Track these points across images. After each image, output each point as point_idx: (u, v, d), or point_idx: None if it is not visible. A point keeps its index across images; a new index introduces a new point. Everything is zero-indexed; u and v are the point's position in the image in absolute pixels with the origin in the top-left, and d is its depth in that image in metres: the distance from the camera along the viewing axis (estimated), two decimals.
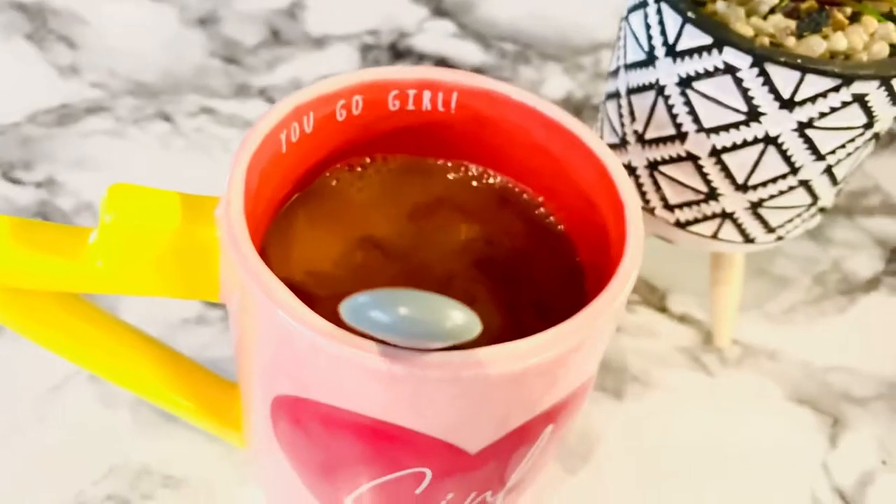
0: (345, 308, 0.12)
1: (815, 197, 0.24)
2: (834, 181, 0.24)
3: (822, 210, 0.25)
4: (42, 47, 0.37)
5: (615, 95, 0.25)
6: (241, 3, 0.40)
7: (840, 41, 0.21)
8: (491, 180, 0.22)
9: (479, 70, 0.39)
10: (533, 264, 0.21)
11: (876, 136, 0.23)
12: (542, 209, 0.22)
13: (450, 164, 0.23)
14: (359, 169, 0.22)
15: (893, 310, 0.32)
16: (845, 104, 0.21)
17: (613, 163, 0.19)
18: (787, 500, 0.26)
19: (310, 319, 0.16)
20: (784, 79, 0.20)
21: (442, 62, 0.40)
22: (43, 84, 0.35)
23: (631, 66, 0.24)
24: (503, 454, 0.18)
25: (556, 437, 0.19)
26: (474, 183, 0.22)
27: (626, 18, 0.24)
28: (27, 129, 0.33)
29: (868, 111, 0.21)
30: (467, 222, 0.22)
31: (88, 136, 0.33)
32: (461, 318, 0.11)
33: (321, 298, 0.18)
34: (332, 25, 0.40)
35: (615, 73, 0.25)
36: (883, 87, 0.21)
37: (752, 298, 0.32)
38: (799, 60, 0.20)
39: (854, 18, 0.22)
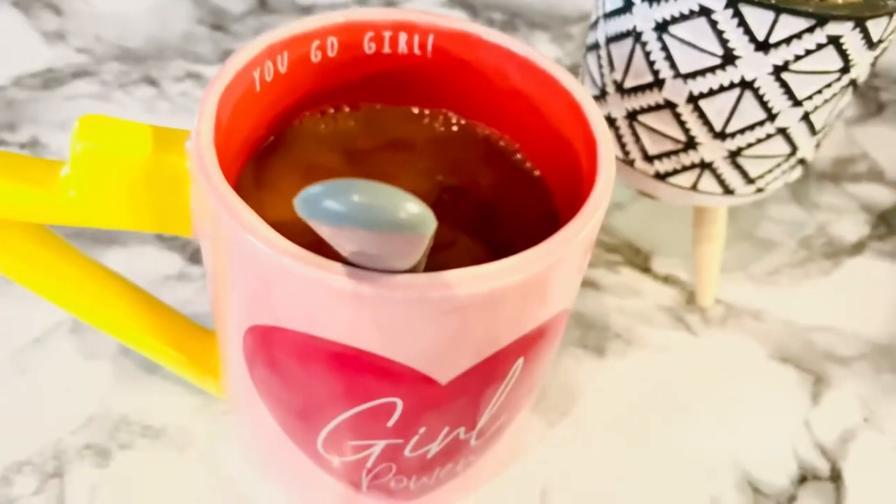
0: (299, 201, 0.12)
1: (793, 146, 0.24)
2: (812, 130, 0.24)
3: (801, 162, 0.25)
4: (29, 14, 0.37)
5: (595, 47, 0.25)
6: None
7: None
8: (467, 127, 0.22)
9: None
10: (509, 208, 0.21)
11: (853, 83, 0.23)
12: (519, 155, 0.22)
13: (427, 112, 0.23)
14: (331, 112, 0.22)
15: (878, 273, 0.32)
16: (820, 46, 0.21)
17: (586, 100, 0.19)
18: (768, 455, 0.26)
19: (278, 242, 0.16)
20: (758, 20, 0.20)
21: None
22: (29, 50, 0.35)
23: (609, 15, 0.24)
24: (474, 386, 0.18)
25: (526, 373, 0.19)
26: (452, 128, 0.22)
27: None
28: (12, 93, 0.33)
29: (843, 55, 0.21)
30: (442, 167, 0.22)
31: (73, 99, 0.33)
32: (416, 209, 0.11)
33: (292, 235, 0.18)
34: None
35: (595, 24, 0.25)
36: (857, 29, 0.21)
37: (737, 260, 0.32)
38: (773, 0, 0.20)
39: None
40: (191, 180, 0.18)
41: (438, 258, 0.17)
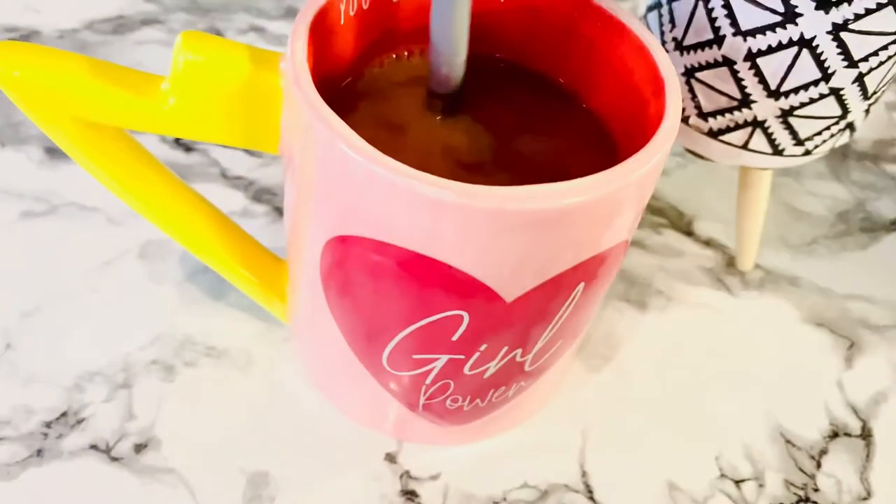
0: None
1: (845, 109, 0.25)
2: (865, 94, 0.24)
3: (850, 127, 0.26)
4: None
5: (656, 6, 0.26)
6: None
7: None
8: (534, 76, 0.23)
9: None
10: (572, 152, 0.22)
11: None
12: (584, 105, 0.23)
13: (497, 57, 0.24)
14: (406, 56, 0.23)
15: None
16: (880, 6, 0.22)
17: (654, 44, 0.20)
18: (801, 412, 0.27)
19: (367, 150, 0.17)
20: None
21: None
22: None
23: None
24: (536, 307, 0.19)
25: (584, 300, 0.20)
26: (516, 75, 0.23)
27: None
28: (84, 35, 0.35)
29: None
30: (507, 109, 0.23)
31: (142, 44, 0.35)
32: None
33: None
34: None
35: None
36: None
37: (776, 230, 0.33)
38: None
39: None
40: (284, 98, 0.19)
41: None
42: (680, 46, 0.25)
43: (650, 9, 0.27)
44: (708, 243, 0.32)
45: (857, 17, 0.22)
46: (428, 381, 0.21)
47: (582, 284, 0.19)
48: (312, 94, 0.18)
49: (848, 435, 0.27)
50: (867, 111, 0.26)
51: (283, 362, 0.26)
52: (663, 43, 0.26)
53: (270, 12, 0.37)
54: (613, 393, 0.27)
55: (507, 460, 0.25)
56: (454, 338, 0.20)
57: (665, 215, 0.32)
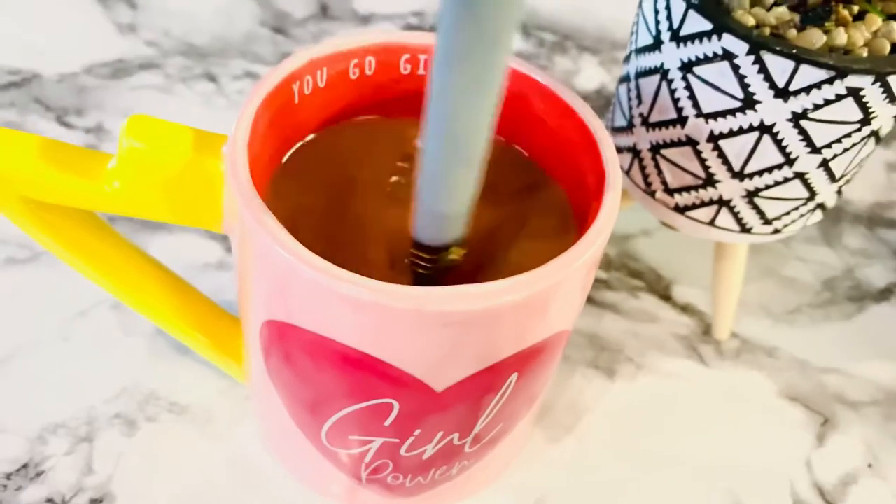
0: None
1: (812, 191, 0.24)
2: (832, 177, 0.24)
3: (821, 207, 0.25)
4: (107, 6, 0.39)
5: (626, 79, 0.26)
6: None
7: (840, 36, 0.21)
8: (501, 146, 0.23)
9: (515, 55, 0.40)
10: (534, 226, 0.22)
11: (875, 134, 0.23)
12: (546, 176, 0.23)
13: None
14: (360, 120, 0.23)
15: None
16: (840, 97, 0.21)
17: (600, 131, 0.20)
18: (765, 491, 0.27)
19: (292, 246, 0.17)
20: (779, 68, 0.21)
21: None
22: (103, 40, 0.38)
23: (640, 51, 0.25)
24: (468, 396, 0.19)
25: (521, 387, 0.20)
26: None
27: (640, 4, 0.25)
28: (83, 80, 0.36)
29: (864, 107, 0.22)
30: None
31: (138, 89, 0.36)
32: None
33: (315, 239, 0.20)
34: (379, 4, 0.42)
35: (628, 58, 0.26)
36: (878, 84, 0.21)
37: (758, 297, 0.32)
38: (794, 51, 0.21)
39: (859, 17, 0.22)
40: (224, 182, 0.19)
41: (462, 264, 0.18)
42: (646, 122, 0.25)
43: (621, 81, 0.27)
44: (685, 309, 0.31)
45: (817, 106, 0.22)
46: (367, 459, 0.21)
47: (515, 375, 0.19)
48: (247, 185, 0.18)
49: None
50: (839, 192, 0.25)
51: (243, 421, 0.26)
52: (631, 117, 0.26)
53: (266, 58, 0.38)
54: (572, 465, 0.26)
55: None
56: (386, 423, 0.20)
57: (643, 278, 0.32)
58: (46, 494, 0.24)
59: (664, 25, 0.23)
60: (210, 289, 0.26)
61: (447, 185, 0.17)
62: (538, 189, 0.22)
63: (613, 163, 0.20)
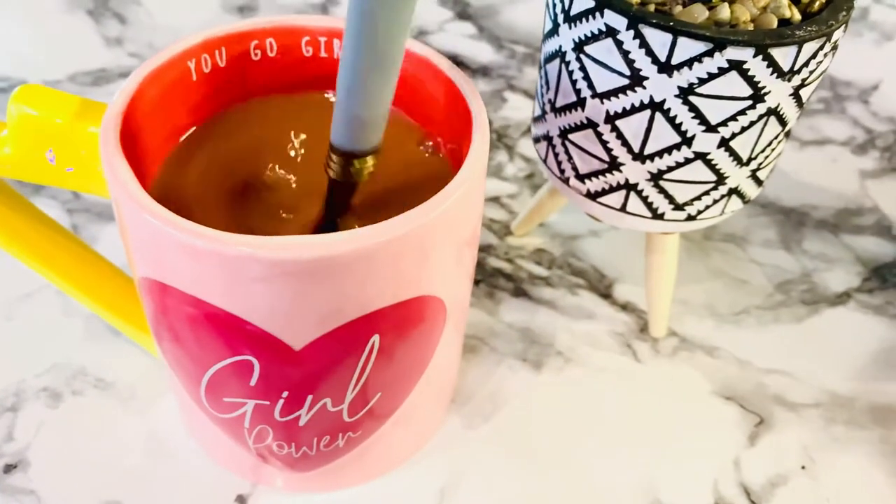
0: None
1: (718, 174, 0.24)
2: (738, 159, 0.24)
3: (737, 193, 0.25)
4: (98, 21, 0.42)
5: (540, 68, 0.26)
6: None
7: (723, 11, 0.21)
8: (397, 121, 0.24)
9: (485, 68, 0.41)
10: (414, 186, 0.22)
11: (775, 113, 0.23)
12: (428, 141, 0.23)
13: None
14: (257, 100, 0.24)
15: (858, 326, 0.31)
16: (722, 70, 0.21)
17: (466, 85, 0.21)
18: (685, 487, 0.26)
19: (141, 198, 0.18)
20: (658, 41, 0.21)
21: (452, 58, 0.42)
22: (90, 51, 0.40)
23: (546, 37, 0.25)
24: (327, 356, 0.20)
25: (388, 353, 0.20)
26: None
27: None
28: (65, 86, 0.38)
29: (751, 82, 0.21)
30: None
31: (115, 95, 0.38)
32: None
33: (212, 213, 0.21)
34: None
35: (540, 49, 0.26)
36: (760, 57, 0.21)
37: (704, 297, 0.32)
38: (671, 23, 0.21)
39: None
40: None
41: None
42: (553, 108, 0.25)
43: (538, 70, 0.27)
44: (625, 307, 0.31)
45: (702, 80, 0.21)
46: (246, 424, 0.22)
47: (376, 336, 0.20)
48: (112, 144, 0.19)
49: None
50: (755, 178, 0.25)
51: (163, 399, 0.27)
52: (543, 105, 0.26)
53: None
54: (485, 453, 0.26)
55: None
56: (251, 383, 0.20)
57: (585, 276, 0.32)
58: None
59: (559, 8, 0.23)
60: None
61: (364, 90, 0.18)
62: (424, 157, 0.23)
63: (481, 118, 0.20)
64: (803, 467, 0.27)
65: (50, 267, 0.24)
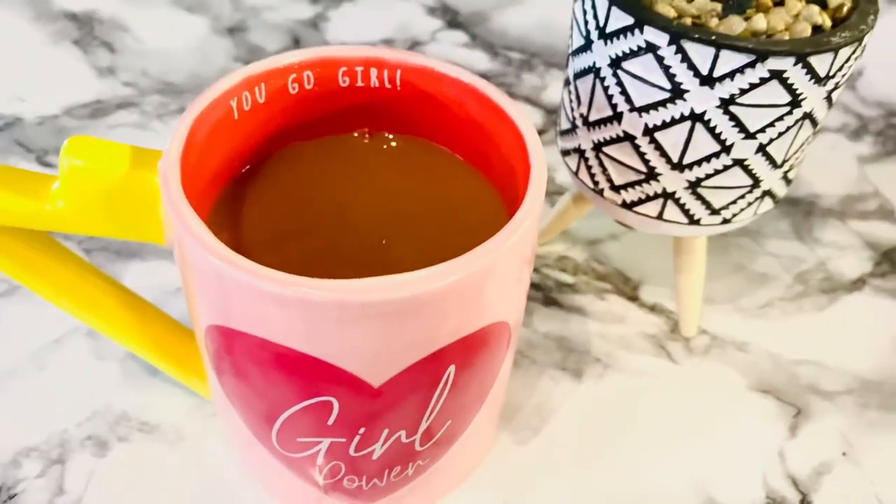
0: None
1: (755, 178, 0.25)
2: (773, 163, 0.24)
3: (769, 195, 0.26)
4: (86, 51, 0.41)
5: (567, 83, 0.27)
6: (270, 14, 0.44)
7: (760, 21, 0.22)
8: (436, 152, 0.24)
9: (483, 76, 0.41)
10: (471, 225, 0.22)
11: (808, 117, 0.23)
12: (481, 177, 0.24)
13: (395, 137, 0.25)
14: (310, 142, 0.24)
15: (876, 310, 0.32)
16: (764, 80, 0.22)
17: (527, 127, 0.21)
18: (736, 484, 0.26)
19: (215, 247, 0.18)
20: (700, 55, 0.22)
21: None
22: (82, 83, 0.39)
23: (575, 53, 0.25)
24: (406, 390, 0.20)
25: (463, 381, 0.20)
26: (420, 154, 0.24)
27: (573, 8, 0.26)
28: (63, 121, 0.37)
29: (790, 89, 0.22)
30: (409, 188, 0.23)
31: (116, 127, 0.37)
32: None
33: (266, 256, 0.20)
34: (350, 35, 0.43)
35: (567, 62, 0.27)
36: (800, 65, 0.21)
37: (727, 293, 0.32)
38: (713, 37, 0.21)
39: (780, 4, 0.23)
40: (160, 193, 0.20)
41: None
42: (586, 122, 0.26)
43: (565, 85, 0.27)
44: (653, 309, 0.31)
45: (743, 91, 0.22)
46: (319, 461, 0.22)
47: (453, 367, 0.20)
48: (177, 193, 0.19)
49: None
50: (786, 179, 0.26)
51: (211, 437, 0.27)
52: (573, 119, 0.26)
53: None
54: (540, 466, 0.26)
55: None
56: (329, 422, 0.20)
57: (610, 281, 0.32)
58: None
59: (592, 25, 0.24)
60: (183, 312, 0.26)
61: None
62: (472, 189, 0.23)
63: (537, 150, 0.20)
64: (844, 454, 0.27)
65: (92, 311, 0.24)
